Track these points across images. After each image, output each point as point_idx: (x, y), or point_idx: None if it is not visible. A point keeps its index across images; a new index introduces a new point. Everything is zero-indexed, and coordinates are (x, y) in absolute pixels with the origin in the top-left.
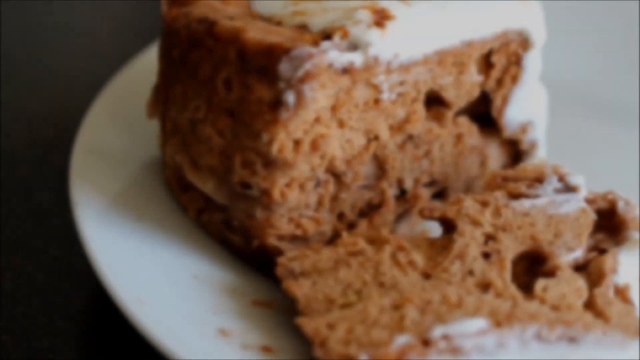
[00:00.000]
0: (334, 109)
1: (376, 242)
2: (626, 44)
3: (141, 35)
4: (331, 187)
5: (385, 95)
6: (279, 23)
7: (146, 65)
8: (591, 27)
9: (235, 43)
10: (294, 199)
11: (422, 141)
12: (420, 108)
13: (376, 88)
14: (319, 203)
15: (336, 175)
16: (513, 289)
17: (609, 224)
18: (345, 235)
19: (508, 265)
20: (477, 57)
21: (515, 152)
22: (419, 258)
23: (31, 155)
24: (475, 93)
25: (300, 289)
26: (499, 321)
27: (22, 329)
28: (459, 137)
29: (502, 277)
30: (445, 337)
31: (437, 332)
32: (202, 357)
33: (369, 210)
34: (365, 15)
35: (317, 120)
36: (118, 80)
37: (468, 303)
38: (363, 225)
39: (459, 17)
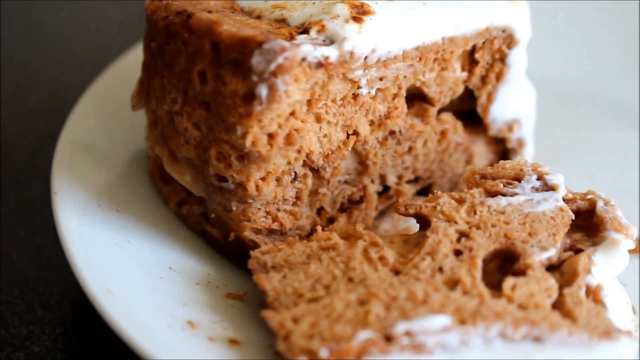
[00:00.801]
0: (310, 103)
1: (350, 237)
2: (624, 42)
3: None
4: (309, 182)
5: (364, 91)
6: (259, 17)
7: (138, 58)
8: (589, 24)
9: (210, 36)
10: (270, 193)
11: (405, 137)
12: (401, 104)
13: (354, 83)
14: (297, 197)
15: (314, 170)
16: (481, 287)
17: (587, 224)
18: (319, 230)
19: (479, 263)
20: (460, 53)
21: (503, 150)
22: (390, 254)
23: (26, 146)
24: (459, 90)
25: (269, 282)
26: (463, 319)
27: (1, 315)
28: (443, 134)
29: (472, 275)
30: (408, 334)
31: (400, 328)
32: (165, 347)
33: (350, 205)
34: (343, 10)
35: (293, 114)
36: (109, 73)
37: (434, 300)
38: (342, 220)
39: (441, 14)
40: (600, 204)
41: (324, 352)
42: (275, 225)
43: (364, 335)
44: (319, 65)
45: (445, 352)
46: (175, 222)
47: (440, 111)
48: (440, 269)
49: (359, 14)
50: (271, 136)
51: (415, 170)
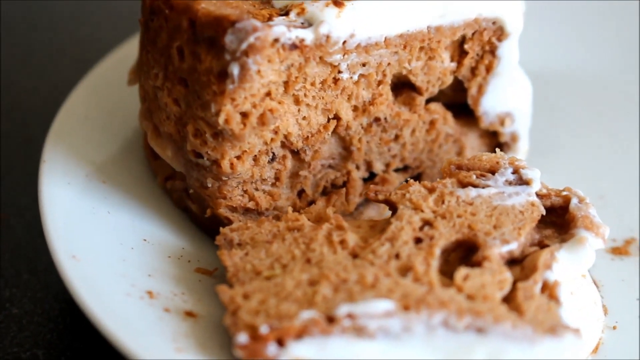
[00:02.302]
0: (287, 84)
1: (319, 220)
2: (626, 35)
3: None
4: (289, 164)
5: (345, 75)
6: None
7: None
8: (589, 16)
9: (188, 13)
10: (247, 172)
11: (391, 125)
12: (386, 91)
13: (334, 67)
14: (277, 178)
15: (294, 152)
16: (433, 275)
17: (560, 220)
18: (290, 210)
19: (436, 252)
20: (449, 43)
21: (497, 144)
22: (353, 238)
23: (41, 108)
24: (448, 80)
25: (230, 258)
26: (407, 305)
27: None
28: (432, 124)
29: (427, 263)
30: (350, 316)
31: (343, 310)
32: (115, 313)
33: (333, 190)
34: None
35: (268, 94)
36: (116, 53)
37: (382, 285)
38: (320, 203)
39: (427, 2)
40: (574, 201)
41: (264, 329)
42: (251, 204)
43: (306, 314)
44: (294, 47)
45: (387, 337)
46: (161, 197)
47: (429, 101)
48: (397, 256)
49: None
50: (245, 115)
51: (403, 158)
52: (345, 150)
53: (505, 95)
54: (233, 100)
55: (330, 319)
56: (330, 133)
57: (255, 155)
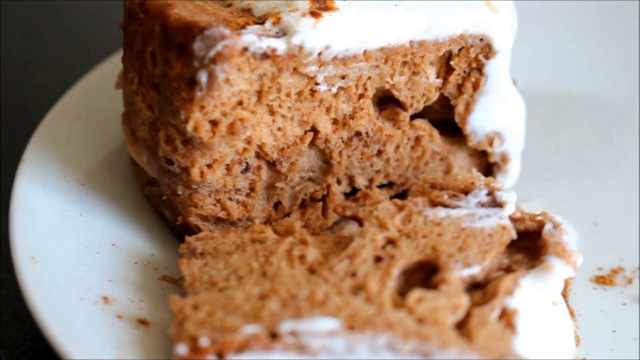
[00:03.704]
0: (260, 94)
1: (288, 233)
2: (624, 53)
3: None
4: (264, 174)
5: (322, 87)
6: (230, 4)
7: None
8: (588, 34)
9: (161, 18)
10: (218, 181)
11: (373, 140)
12: (367, 105)
13: (310, 79)
14: (252, 189)
15: (271, 163)
16: (385, 296)
17: (533, 245)
18: (256, 222)
19: (393, 272)
20: (434, 59)
21: (488, 164)
22: (313, 254)
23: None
24: (433, 96)
25: (189, 268)
26: (352, 325)
27: None
28: (417, 140)
29: (383, 283)
30: (294, 333)
31: (286, 326)
32: (62, 317)
33: (311, 203)
34: (304, 4)
35: (240, 103)
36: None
37: (331, 303)
38: (294, 216)
39: (411, 16)
40: (548, 227)
41: (204, 341)
42: (222, 214)
43: (249, 329)
44: (265, 56)
45: (330, 356)
46: (140, 202)
47: (415, 117)
48: (353, 274)
49: (319, 9)
50: (214, 123)
51: (387, 175)
52: (325, 164)
53: (494, 114)
54: (202, 108)
55: (273, 335)
56: (307, 145)
57: (228, 165)
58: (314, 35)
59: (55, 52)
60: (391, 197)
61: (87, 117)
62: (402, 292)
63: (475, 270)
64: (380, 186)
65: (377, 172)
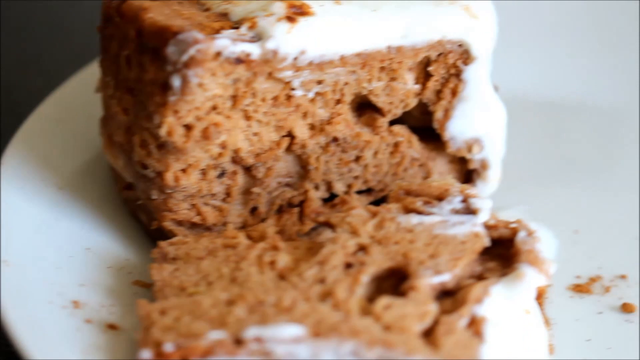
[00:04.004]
0: (235, 99)
1: (258, 238)
2: (610, 59)
3: None
4: (240, 180)
5: (299, 93)
6: (207, 9)
7: None
8: (573, 40)
9: (135, 22)
10: (193, 186)
11: (350, 146)
12: (345, 110)
13: (286, 84)
14: (228, 194)
15: (246, 168)
16: (353, 303)
17: (506, 253)
18: (230, 227)
19: (362, 279)
20: (412, 65)
21: (467, 171)
22: (284, 259)
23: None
24: (412, 102)
25: (159, 273)
26: (317, 332)
27: None
28: (396, 146)
29: (351, 290)
30: (258, 340)
31: (251, 333)
32: (29, 320)
33: (289, 208)
34: (280, 9)
35: (214, 108)
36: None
37: (298, 309)
38: (270, 222)
39: (388, 22)
40: (521, 234)
41: (168, 347)
42: (197, 219)
43: (214, 335)
44: (239, 61)
45: None
46: (119, 206)
47: (394, 123)
48: (322, 280)
49: (295, 14)
50: (188, 128)
51: (366, 181)
52: (302, 169)
53: (473, 121)
54: (176, 113)
55: (238, 341)
56: (283, 151)
57: (203, 170)
58: (289, 40)
59: (47, 54)
60: (370, 203)
61: (69, 121)
62: (372, 299)
63: (446, 278)
64: (359, 192)
65: (356, 178)
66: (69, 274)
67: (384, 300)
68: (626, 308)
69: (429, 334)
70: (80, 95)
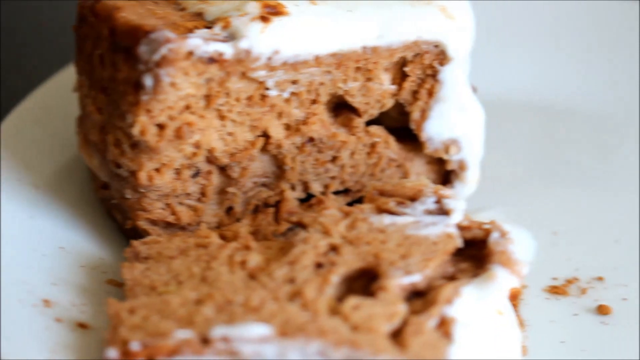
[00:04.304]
0: (208, 98)
1: (231, 238)
2: (589, 59)
3: None
4: (215, 179)
5: (273, 92)
6: (182, 9)
7: None
8: (552, 40)
9: (109, 21)
10: (167, 185)
11: (327, 146)
12: (320, 111)
13: (260, 83)
14: (202, 194)
15: (221, 168)
16: (321, 303)
17: (479, 254)
18: (203, 227)
19: (332, 279)
20: (388, 65)
21: (446, 172)
22: (255, 259)
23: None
24: (388, 103)
25: (130, 272)
26: (284, 331)
27: None
28: (372, 147)
29: (320, 290)
30: (225, 339)
31: (218, 332)
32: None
33: (265, 208)
34: (254, 8)
35: (188, 107)
36: None
37: (266, 309)
38: (245, 222)
39: (363, 22)
40: (494, 235)
41: (134, 345)
42: (172, 219)
43: (181, 334)
44: (211, 60)
45: None
46: (95, 206)
47: (371, 123)
48: (292, 280)
49: (269, 13)
50: (161, 127)
51: (343, 181)
52: (278, 169)
53: (451, 122)
54: (149, 112)
55: (205, 340)
56: (258, 150)
57: (177, 169)
58: (262, 39)
59: (28, 55)
60: (348, 204)
61: (48, 121)
62: (343, 299)
63: (416, 278)
64: (337, 193)
65: (333, 178)
66: (40, 272)
67: (352, 301)
68: (602, 310)
69: (397, 335)
70: (60, 95)
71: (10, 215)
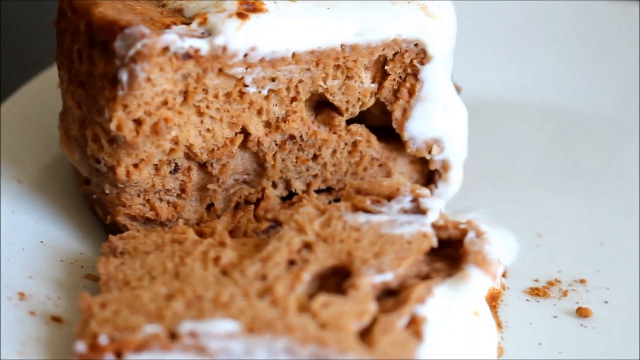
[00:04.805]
0: (186, 94)
1: (209, 235)
2: (577, 58)
3: None
4: (194, 176)
5: (252, 89)
6: (163, 5)
7: None
8: (541, 39)
9: (85, 16)
10: (145, 181)
11: (307, 144)
12: (300, 108)
13: (239, 80)
14: (182, 190)
15: (201, 165)
16: (291, 300)
17: (455, 254)
18: (180, 222)
19: (304, 277)
20: (367, 63)
21: (429, 172)
22: (229, 256)
23: None
24: (369, 101)
25: (105, 266)
26: (252, 328)
27: None
28: (354, 145)
29: (291, 287)
30: (192, 334)
31: (185, 327)
32: None
33: (245, 206)
34: (231, 5)
35: (165, 103)
36: None
37: (235, 305)
38: (224, 219)
39: (342, 20)
40: (470, 235)
41: (103, 339)
42: (150, 214)
43: (150, 329)
44: (187, 56)
45: (229, 358)
46: (78, 201)
47: (352, 122)
48: (264, 277)
49: (247, 10)
50: (138, 122)
51: (325, 180)
52: (259, 167)
53: (433, 121)
54: (125, 107)
55: (173, 335)
56: (238, 147)
57: (156, 165)
58: (238, 36)
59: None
60: (330, 203)
61: (36, 117)
62: (314, 296)
63: (388, 277)
64: (320, 191)
65: (315, 176)
66: (18, 266)
67: (321, 298)
68: (581, 312)
69: (366, 333)
70: (48, 91)
71: None
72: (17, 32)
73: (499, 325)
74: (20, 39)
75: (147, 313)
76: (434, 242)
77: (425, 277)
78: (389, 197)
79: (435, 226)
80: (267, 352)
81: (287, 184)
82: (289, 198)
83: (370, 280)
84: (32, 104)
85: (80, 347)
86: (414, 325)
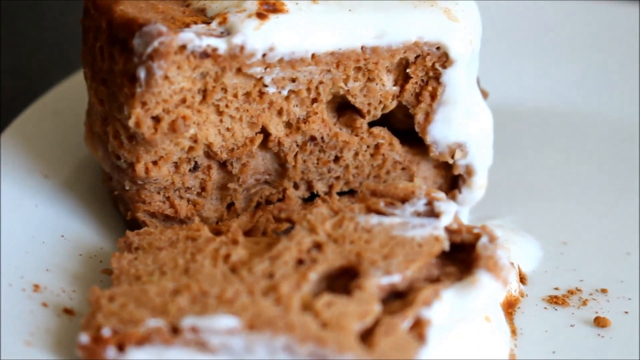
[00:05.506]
0: (205, 93)
1: (223, 233)
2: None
3: None
4: (215, 174)
5: (271, 90)
6: (188, 5)
7: None
8: (562, 47)
9: (107, 14)
10: (164, 178)
11: (329, 146)
12: (321, 110)
13: (258, 80)
14: (202, 188)
15: (221, 164)
16: (295, 299)
17: (468, 258)
18: (197, 220)
19: (310, 277)
20: (389, 66)
21: (453, 176)
22: (240, 253)
23: None
24: (391, 104)
25: (118, 261)
26: (253, 325)
27: None
28: (377, 148)
29: (297, 286)
30: (194, 329)
31: (187, 322)
32: None
33: (265, 205)
34: (252, 5)
35: (184, 101)
36: None
37: (239, 302)
38: (243, 218)
39: (363, 21)
40: (483, 240)
41: (105, 332)
42: (170, 211)
43: (152, 322)
44: (205, 55)
45: (229, 354)
46: (102, 196)
47: (374, 124)
48: (270, 275)
49: (267, 11)
50: (157, 120)
51: (348, 182)
52: (280, 167)
53: (456, 125)
54: (144, 104)
55: (175, 330)
56: (259, 147)
57: (176, 163)
58: (256, 36)
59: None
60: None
61: (67, 113)
62: (319, 296)
63: (395, 279)
64: (342, 193)
65: (337, 178)
66: (36, 259)
67: (325, 298)
68: (599, 322)
69: (368, 334)
70: (81, 89)
71: (17, 202)
72: (53, 31)
73: (513, 332)
74: (56, 37)
75: (152, 307)
76: (446, 246)
77: (436, 281)
78: (404, 200)
79: (448, 230)
80: (267, 350)
81: (309, 186)
82: (311, 199)
83: (376, 281)
84: (66, 102)
85: (84, 338)
86: (418, 328)
